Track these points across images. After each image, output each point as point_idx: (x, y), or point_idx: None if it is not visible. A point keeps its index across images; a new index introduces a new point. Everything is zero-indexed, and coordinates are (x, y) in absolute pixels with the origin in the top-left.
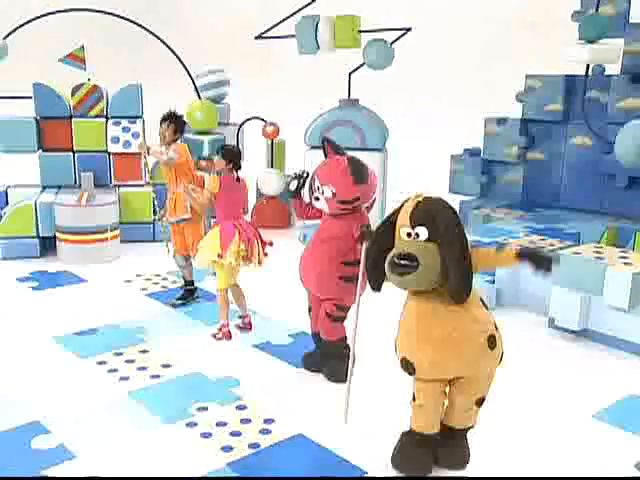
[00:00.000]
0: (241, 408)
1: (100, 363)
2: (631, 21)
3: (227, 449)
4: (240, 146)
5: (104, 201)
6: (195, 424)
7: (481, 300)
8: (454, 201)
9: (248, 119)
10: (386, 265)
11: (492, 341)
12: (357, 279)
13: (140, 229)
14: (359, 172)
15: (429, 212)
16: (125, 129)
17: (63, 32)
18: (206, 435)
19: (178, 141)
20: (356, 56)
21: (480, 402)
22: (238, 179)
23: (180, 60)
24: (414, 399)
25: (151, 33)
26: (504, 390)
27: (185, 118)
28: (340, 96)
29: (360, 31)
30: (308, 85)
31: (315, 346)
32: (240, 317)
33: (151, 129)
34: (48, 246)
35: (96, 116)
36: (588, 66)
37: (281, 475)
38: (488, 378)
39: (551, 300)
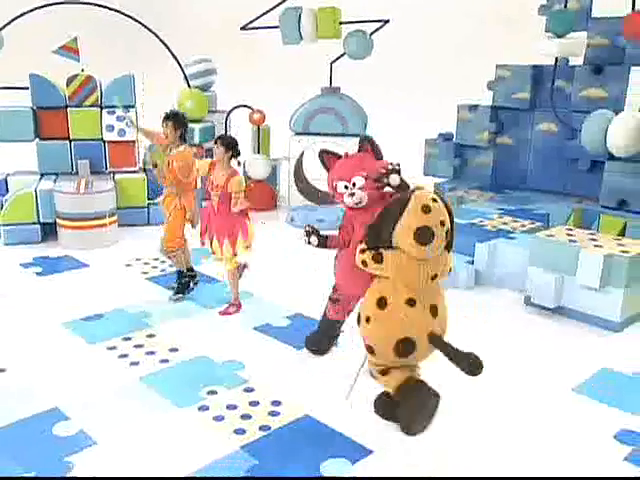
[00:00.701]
0: (248, 391)
1: (110, 348)
2: (593, 16)
3: (240, 432)
4: (231, 133)
5: (102, 188)
6: (207, 408)
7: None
8: (430, 182)
9: (236, 107)
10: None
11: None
12: None
13: (135, 213)
14: (376, 148)
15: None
16: (119, 118)
17: (56, 24)
18: (218, 418)
19: (181, 147)
20: (337, 46)
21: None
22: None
23: (170, 50)
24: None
25: (142, 25)
26: (486, 365)
27: (176, 107)
28: (322, 84)
29: (341, 22)
30: (291, 74)
31: (318, 326)
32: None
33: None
34: (48, 231)
35: (91, 105)
36: (557, 58)
37: (295, 457)
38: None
39: (527, 280)
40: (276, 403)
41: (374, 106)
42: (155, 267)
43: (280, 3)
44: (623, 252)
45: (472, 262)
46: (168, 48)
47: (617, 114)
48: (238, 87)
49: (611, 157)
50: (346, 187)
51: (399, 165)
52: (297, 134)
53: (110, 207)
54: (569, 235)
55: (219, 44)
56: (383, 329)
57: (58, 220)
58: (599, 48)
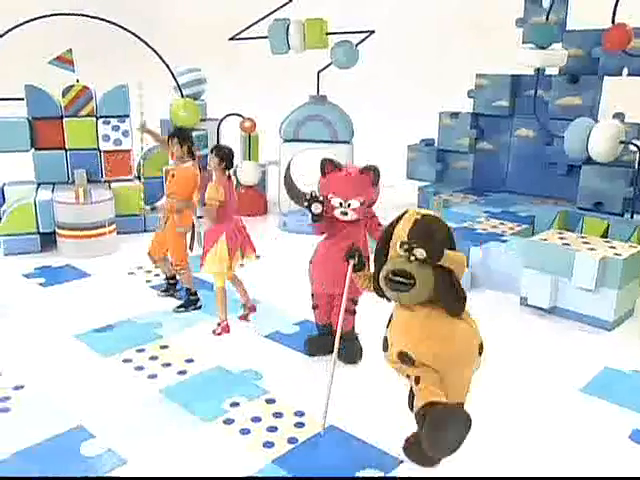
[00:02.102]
0: (270, 402)
1: (126, 361)
2: (568, 28)
3: (268, 445)
4: (222, 140)
5: (101, 198)
6: (232, 421)
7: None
8: (413, 186)
9: (227, 115)
10: (381, 279)
11: (481, 348)
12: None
13: (132, 221)
14: (377, 174)
15: (427, 232)
16: (115, 128)
17: (51, 36)
18: (245, 432)
19: (188, 162)
20: (323, 56)
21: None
22: (229, 177)
23: (163, 60)
24: (417, 383)
25: (136, 37)
26: (490, 368)
27: (170, 116)
28: (308, 93)
29: (328, 33)
30: (278, 82)
31: (318, 332)
32: (242, 306)
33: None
34: (47, 241)
35: (86, 116)
36: (539, 69)
37: (328, 469)
38: (468, 383)
39: (523, 281)
40: (299, 414)
41: (359, 113)
42: (158, 275)
43: (268, 15)
44: (616, 254)
45: (467, 265)
46: (162, 58)
47: (596, 122)
48: (227, 95)
49: (587, 162)
50: (340, 204)
51: (321, 196)
52: (286, 141)
53: (110, 216)
54: (561, 239)
55: (208, 54)
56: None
57: (58, 230)
58: (574, 59)
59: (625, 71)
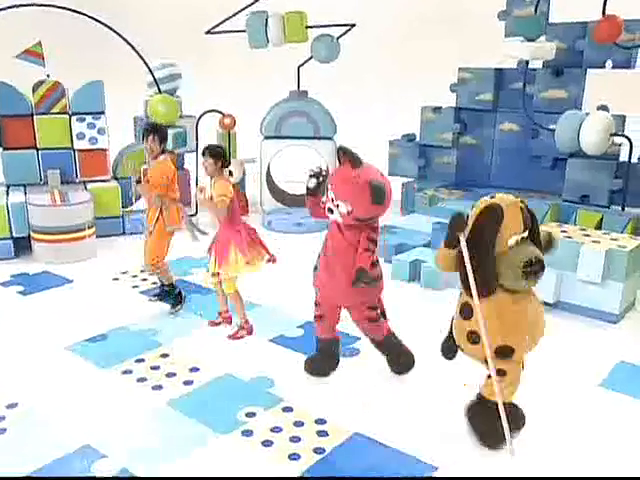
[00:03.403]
0: (288, 410)
1: (126, 372)
2: (551, 21)
3: (295, 457)
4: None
5: (78, 199)
6: (251, 432)
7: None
8: (396, 182)
9: (207, 112)
10: (514, 272)
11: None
12: (380, 278)
13: (110, 224)
14: (379, 194)
15: (533, 216)
16: (90, 125)
17: (18, 28)
18: (267, 444)
19: (161, 157)
20: (301, 50)
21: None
22: (230, 173)
23: (140, 55)
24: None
25: (111, 29)
26: None
27: (149, 113)
28: (284, 88)
29: (307, 26)
30: (254, 78)
31: (318, 350)
32: (219, 313)
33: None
34: (22, 246)
35: (59, 113)
36: (527, 62)
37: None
38: None
39: None
40: (321, 422)
41: (339, 108)
42: (145, 279)
43: (245, 7)
44: (620, 247)
45: None
46: (138, 53)
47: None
48: (200, 91)
49: (572, 155)
50: (332, 199)
51: (324, 171)
52: (267, 138)
53: (89, 218)
54: (563, 232)
55: (181, 48)
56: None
57: (33, 234)
58: (558, 52)
59: (609, 63)
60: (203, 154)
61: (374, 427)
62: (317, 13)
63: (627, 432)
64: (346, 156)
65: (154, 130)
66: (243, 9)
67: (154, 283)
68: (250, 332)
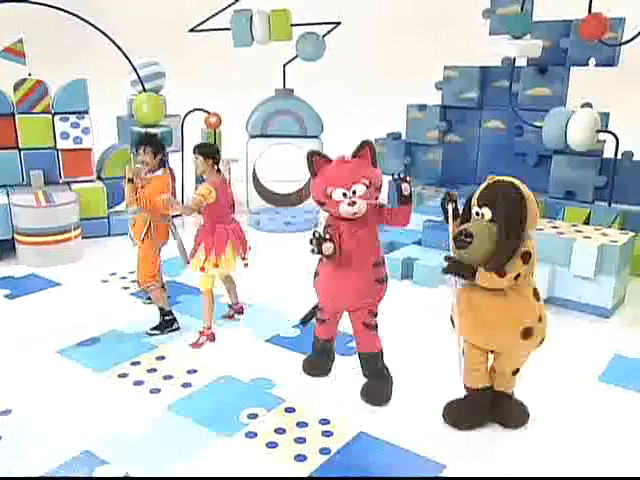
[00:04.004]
0: (290, 411)
1: (121, 376)
2: (534, 19)
3: (301, 458)
4: (185, 136)
5: (64, 200)
6: (255, 434)
7: (534, 291)
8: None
9: (192, 110)
10: (451, 242)
11: (527, 332)
12: (386, 279)
13: (96, 225)
14: (374, 153)
15: (494, 194)
16: (74, 124)
17: None
18: (271, 445)
19: (159, 171)
20: (286, 48)
21: (515, 372)
22: (219, 171)
23: (124, 53)
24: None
25: (94, 27)
26: None
27: (133, 112)
28: (273, 86)
29: (292, 25)
30: (241, 76)
31: (314, 350)
32: (230, 306)
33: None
34: (5, 249)
35: (42, 112)
36: (514, 59)
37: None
38: (521, 357)
39: None
40: (324, 422)
41: (325, 107)
42: (134, 281)
43: (229, 6)
44: (612, 241)
45: None
46: (122, 52)
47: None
48: (182, 90)
49: (557, 152)
50: (344, 195)
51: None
52: (253, 137)
53: (75, 219)
54: (555, 228)
55: (165, 47)
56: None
57: (17, 236)
58: (542, 49)
59: (592, 61)
60: (193, 152)
61: (379, 426)
62: (301, 11)
63: (632, 426)
64: (317, 156)
65: (147, 141)
66: (227, 7)
67: None
68: (212, 339)
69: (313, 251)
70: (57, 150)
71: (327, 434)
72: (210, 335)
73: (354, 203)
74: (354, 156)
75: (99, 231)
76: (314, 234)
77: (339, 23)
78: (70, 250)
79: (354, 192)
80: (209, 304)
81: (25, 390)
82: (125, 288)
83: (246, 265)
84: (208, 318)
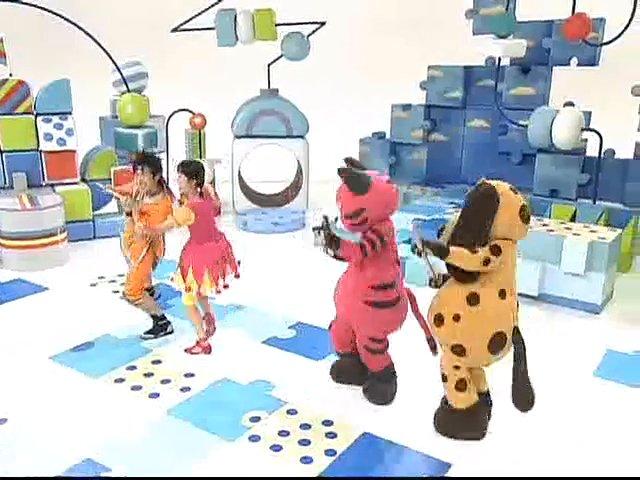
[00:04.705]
0: (292, 413)
1: (118, 381)
2: (518, 20)
3: (307, 460)
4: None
5: (49, 203)
6: (258, 437)
7: (501, 292)
8: None
9: (177, 111)
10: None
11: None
12: (391, 305)
13: (80, 228)
14: (355, 182)
15: (469, 195)
16: (57, 126)
17: None
18: (276, 448)
19: (159, 195)
20: (270, 48)
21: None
22: (201, 194)
23: (107, 53)
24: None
25: (77, 26)
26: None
27: (118, 113)
28: (257, 86)
29: (277, 24)
30: (225, 76)
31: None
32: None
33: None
34: None
35: (24, 113)
36: (499, 59)
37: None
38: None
39: None
40: (328, 423)
41: (310, 107)
42: (124, 284)
43: (212, 5)
44: (601, 238)
45: None
46: (106, 51)
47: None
48: (164, 90)
49: (540, 150)
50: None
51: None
52: (238, 137)
53: (61, 223)
54: (544, 225)
55: (149, 46)
56: (477, 326)
57: (1, 240)
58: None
59: (574, 61)
60: (177, 169)
61: (382, 426)
62: (285, 11)
63: (633, 421)
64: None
65: (144, 161)
66: (210, 7)
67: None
68: (208, 351)
69: (322, 249)
70: (40, 152)
71: (331, 435)
72: (207, 347)
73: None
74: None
75: (84, 234)
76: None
77: (324, 23)
78: (56, 254)
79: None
80: (195, 316)
81: (20, 398)
82: (115, 292)
83: (237, 276)
84: (199, 328)
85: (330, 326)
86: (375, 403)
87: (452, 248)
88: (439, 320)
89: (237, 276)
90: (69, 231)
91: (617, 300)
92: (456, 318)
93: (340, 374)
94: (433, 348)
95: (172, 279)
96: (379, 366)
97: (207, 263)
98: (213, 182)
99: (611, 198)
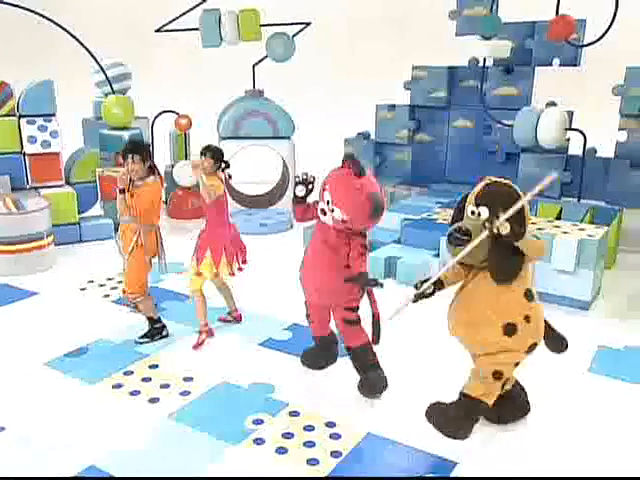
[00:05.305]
0: (295, 415)
1: (116, 386)
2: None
3: (313, 462)
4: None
5: (37, 206)
6: (263, 440)
7: (527, 291)
8: None
9: (162, 112)
10: (447, 235)
11: (511, 329)
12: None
13: (66, 231)
14: (378, 209)
15: (492, 194)
16: (41, 128)
17: None
18: (281, 451)
19: (150, 178)
20: (254, 48)
21: (496, 375)
22: (224, 180)
23: (92, 54)
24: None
25: (61, 27)
26: None
27: (102, 115)
28: (241, 87)
29: (261, 25)
30: (209, 77)
31: (315, 344)
32: (228, 313)
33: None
34: None
35: (7, 115)
36: (484, 59)
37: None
38: (503, 357)
39: None
40: (331, 424)
41: (295, 107)
42: (115, 288)
43: (196, 6)
44: (589, 236)
45: (438, 255)
46: (90, 52)
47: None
48: (152, 91)
49: (524, 149)
50: (328, 202)
51: (312, 178)
52: (225, 138)
53: (47, 226)
54: (533, 224)
55: (133, 47)
56: (540, 319)
57: None
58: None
59: (556, 61)
60: (203, 154)
61: (385, 426)
62: (270, 11)
63: (629, 415)
64: (353, 165)
65: (134, 149)
66: (194, 7)
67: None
68: (211, 334)
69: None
70: (24, 154)
71: (335, 436)
72: (209, 331)
73: (325, 213)
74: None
75: (70, 237)
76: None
77: (309, 24)
78: (43, 258)
79: (332, 210)
80: (201, 303)
81: (16, 405)
82: (106, 296)
83: (240, 269)
84: (202, 317)
85: (307, 315)
86: (371, 396)
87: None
88: (512, 328)
89: (244, 262)
90: (55, 234)
91: (605, 296)
92: (527, 319)
93: (319, 358)
94: (377, 336)
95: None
96: (358, 341)
97: (225, 246)
98: (300, 199)
99: (593, 196)
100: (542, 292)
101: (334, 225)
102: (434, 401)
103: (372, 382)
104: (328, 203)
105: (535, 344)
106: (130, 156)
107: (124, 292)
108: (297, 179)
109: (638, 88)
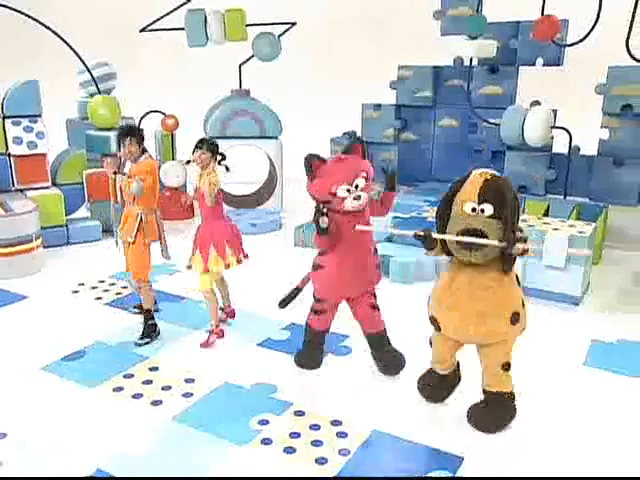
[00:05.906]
0: (300, 414)
1: (116, 390)
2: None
3: (322, 461)
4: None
5: (25, 209)
6: (270, 440)
7: (516, 277)
8: None
9: (149, 112)
10: (450, 241)
11: (516, 317)
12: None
13: (53, 233)
14: (365, 146)
15: (498, 190)
16: (27, 128)
17: None
18: (289, 450)
19: (142, 157)
20: (240, 48)
21: (506, 366)
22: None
23: (77, 54)
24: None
25: (47, 28)
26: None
27: (88, 116)
28: (227, 87)
29: (247, 25)
30: (194, 76)
31: (305, 340)
32: (221, 309)
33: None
34: None
35: None
36: (470, 59)
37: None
38: (511, 346)
39: None
40: (337, 423)
41: (282, 107)
42: (107, 290)
43: (180, 5)
44: (580, 232)
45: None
46: (75, 52)
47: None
48: (137, 91)
49: (510, 148)
50: (349, 191)
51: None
52: (213, 138)
53: (36, 228)
54: (523, 221)
55: (118, 46)
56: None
57: None
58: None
59: (540, 61)
60: (199, 147)
61: (390, 423)
62: (256, 11)
63: (627, 407)
64: (318, 160)
65: (130, 133)
66: (179, 7)
67: (118, 294)
68: (221, 335)
69: (314, 222)
70: (9, 155)
71: (342, 435)
72: (219, 332)
73: (359, 197)
74: (345, 153)
75: (58, 240)
76: (318, 207)
77: (294, 23)
78: (32, 261)
79: (356, 186)
80: (213, 303)
81: (16, 411)
82: (98, 298)
83: (246, 256)
84: (214, 317)
85: (318, 311)
86: (395, 374)
87: None
88: (517, 316)
89: (245, 255)
90: (42, 237)
91: (594, 291)
92: (523, 304)
93: (313, 357)
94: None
95: (189, 267)
96: (383, 324)
97: (226, 237)
98: (185, 184)
99: (578, 193)
100: (533, 288)
101: (368, 193)
102: (472, 404)
103: (399, 359)
104: (349, 190)
105: (524, 328)
106: (128, 138)
107: (133, 274)
108: (317, 212)
109: (620, 87)
